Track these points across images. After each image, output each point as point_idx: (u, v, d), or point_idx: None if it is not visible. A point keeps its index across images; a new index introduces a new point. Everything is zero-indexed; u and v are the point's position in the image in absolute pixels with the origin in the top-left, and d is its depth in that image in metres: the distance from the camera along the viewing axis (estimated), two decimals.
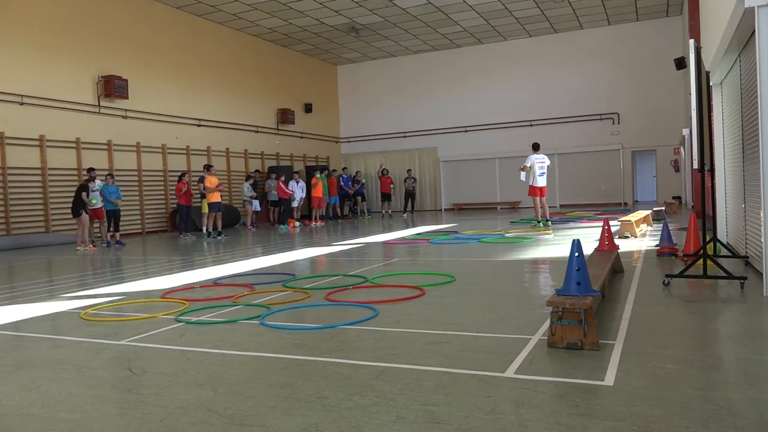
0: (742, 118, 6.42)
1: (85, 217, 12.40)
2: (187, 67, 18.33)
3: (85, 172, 13.38)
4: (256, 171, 19.84)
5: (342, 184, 21.43)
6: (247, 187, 17.25)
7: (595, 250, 6.64)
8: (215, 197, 14.47)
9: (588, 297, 3.52)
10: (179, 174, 15.78)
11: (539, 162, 12.91)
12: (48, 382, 3.29)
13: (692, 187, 16.25)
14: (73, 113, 14.91)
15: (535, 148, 13.15)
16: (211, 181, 14.52)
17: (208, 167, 14.76)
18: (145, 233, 16.54)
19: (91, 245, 12.47)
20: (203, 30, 19.03)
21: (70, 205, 12.70)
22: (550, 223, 13.04)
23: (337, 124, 26.74)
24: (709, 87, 6.69)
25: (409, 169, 23.93)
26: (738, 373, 3.01)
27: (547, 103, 23.12)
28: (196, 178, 16.34)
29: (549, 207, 13.61)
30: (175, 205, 16.24)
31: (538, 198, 12.96)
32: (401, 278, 6.50)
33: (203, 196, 14.81)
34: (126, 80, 15.86)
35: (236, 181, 19.90)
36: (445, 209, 24.99)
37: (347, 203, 22.21)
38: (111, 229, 13.28)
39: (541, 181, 12.87)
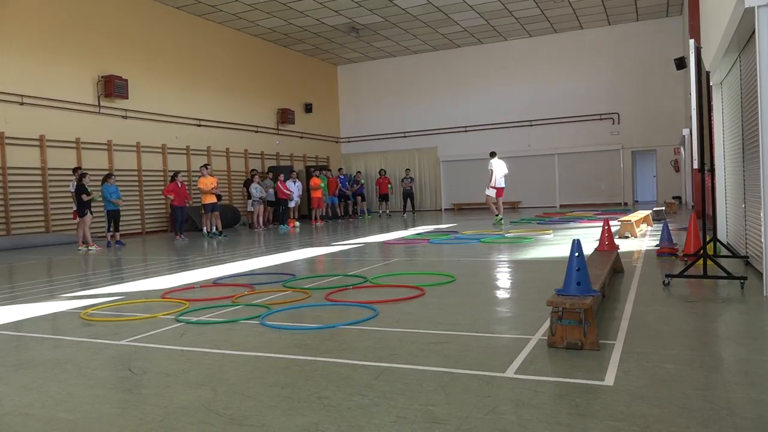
0: (742, 118, 6.41)
1: (88, 217, 12.37)
2: (187, 67, 18.33)
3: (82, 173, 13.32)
4: (254, 170, 19.80)
5: (339, 184, 21.42)
6: (255, 188, 17.20)
7: (595, 250, 6.63)
8: (209, 199, 14.42)
9: (588, 297, 3.52)
10: (171, 174, 15.64)
11: (501, 167, 15.00)
12: (48, 382, 3.28)
13: (692, 187, 16.25)
14: (73, 113, 14.91)
15: (495, 155, 15.22)
16: (204, 182, 14.46)
17: (205, 166, 14.73)
18: (145, 233, 16.54)
19: (95, 245, 12.43)
20: (203, 30, 19.02)
21: (72, 206, 12.64)
22: (501, 219, 14.90)
23: (337, 124, 26.73)
24: (709, 87, 6.68)
25: (408, 169, 23.92)
26: (738, 373, 3.00)
27: (547, 103, 23.12)
28: (196, 178, 16.33)
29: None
30: None
31: (500, 198, 15.14)
32: (401, 278, 6.50)
33: None
34: (126, 80, 15.85)
35: (236, 181, 19.90)
36: (445, 209, 24.99)
37: (347, 203, 22.18)
38: (111, 229, 13.26)
39: (502, 183, 15.06)
